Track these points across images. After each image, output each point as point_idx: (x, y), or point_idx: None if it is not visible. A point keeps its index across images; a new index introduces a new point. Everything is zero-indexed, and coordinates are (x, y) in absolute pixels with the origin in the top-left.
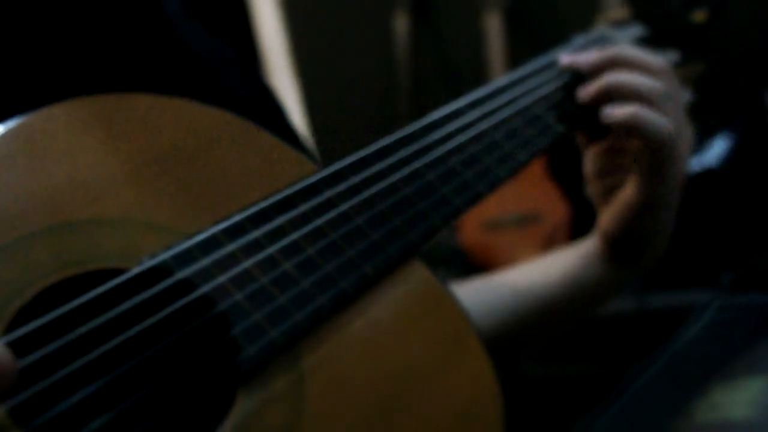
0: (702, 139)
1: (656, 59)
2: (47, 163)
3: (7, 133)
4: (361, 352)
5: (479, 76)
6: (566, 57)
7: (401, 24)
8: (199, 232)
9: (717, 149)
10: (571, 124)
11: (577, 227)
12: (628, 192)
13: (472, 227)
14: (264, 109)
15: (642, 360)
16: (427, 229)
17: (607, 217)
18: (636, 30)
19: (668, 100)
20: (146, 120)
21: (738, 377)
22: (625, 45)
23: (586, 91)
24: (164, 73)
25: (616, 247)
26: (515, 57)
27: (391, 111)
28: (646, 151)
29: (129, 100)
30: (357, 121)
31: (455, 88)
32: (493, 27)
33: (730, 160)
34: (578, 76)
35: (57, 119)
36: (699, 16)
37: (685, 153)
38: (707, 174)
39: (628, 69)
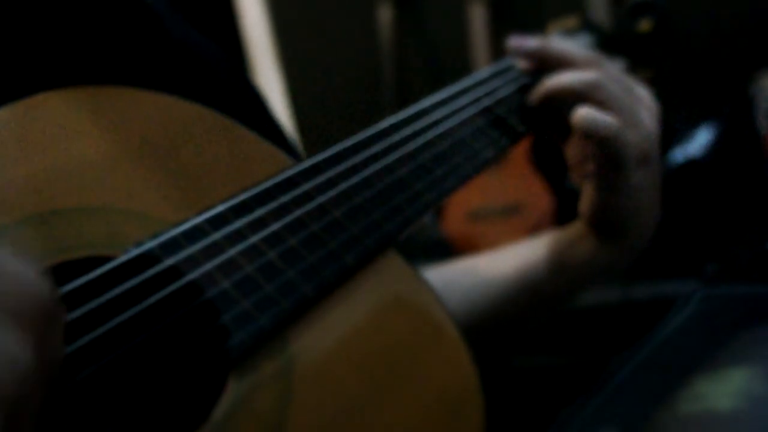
0: (685, 130)
1: (578, 50)
2: (32, 151)
3: None
4: (344, 338)
5: (463, 67)
6: (513, 42)
7: (385, 14)
8: (183, 222)
9: (701, 140)
10: (531, 124)
11: (561, 217)
12: (596, 177)
13: (455, 217)
14: (249, 103)
15: (625, 350)
16: (403, 222)
17: (585, 201)
18: (586, 38)
19: (606, 84)
20: (130, 112)
21: (721, 368)
22: (552, 38)
23: (532, 98)
24: (149, 64)
25: (597, 228)
26: (499, 48)
27: (376, 101)
28: (598, 147)
29: (113, 92)
30: (341, 112)
31: (439, 79)
32: (478, 17)
33: (714, 150)
34: (535, 77)
35: (43, 108)
36: (645, 25)
37: (643, 126)
38: (691, 165)
39: (559, 67)
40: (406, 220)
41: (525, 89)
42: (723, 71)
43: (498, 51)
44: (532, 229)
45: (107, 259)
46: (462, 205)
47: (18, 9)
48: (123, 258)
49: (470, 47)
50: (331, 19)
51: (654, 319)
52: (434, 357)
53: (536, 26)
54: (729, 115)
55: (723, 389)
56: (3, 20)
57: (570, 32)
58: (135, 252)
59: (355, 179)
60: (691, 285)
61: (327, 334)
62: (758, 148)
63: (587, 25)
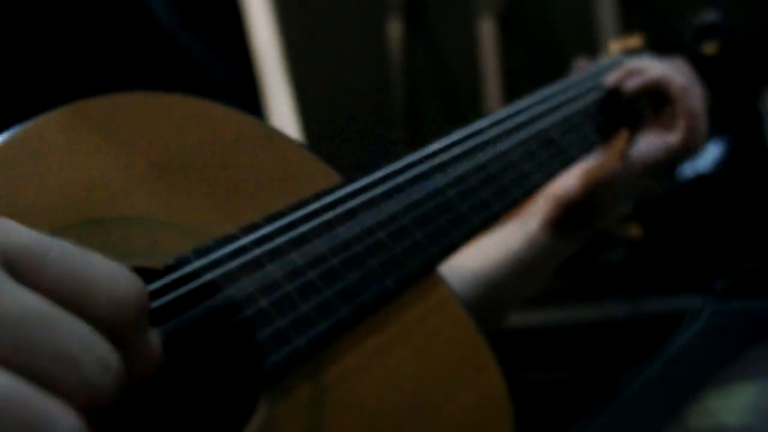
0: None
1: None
2: (73, 160)
3: (31, 129)
4: (380, 365)
5: (473, 82)
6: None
7: (394, 29)
8: (225, 236)
9: (710, 155)
10: (582, 149)
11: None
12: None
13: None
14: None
15: (635, 365)
16: (447, 246)
17: (571, 181)
18: (648, 60)
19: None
20: (171, 119)
21: (731, 383)
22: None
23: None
24: (162, 80)
25: (566, 214)
26: (509, 63)
27: (385, 116)
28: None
29: (154, 99)
30: (351, 127)
31: (449, 94)
32: (487, 32)
33: (723, 165)
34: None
35: (85, 116)
36: (710, 48)
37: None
38: (700, 179)
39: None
40: (452, 244)
41: (578, 110)
42: (731, 87)
43: (507, 65)
44: None
45: (146, 270)
46: None
47: (24, 25)
48: (165, 280)
49: (479, 61)
50: (340, 34)
51: (663, 334)
52: (473, 385)
53: (545, 40)
54: (738, 130)
55: (732, 404)
56: (10, 35)
57: (631, 53)
58: (182, 271)
59: (401, 200)
60: (701, 300)
61: (363, 360)
62: (767, 163)
63: (649, 46)
